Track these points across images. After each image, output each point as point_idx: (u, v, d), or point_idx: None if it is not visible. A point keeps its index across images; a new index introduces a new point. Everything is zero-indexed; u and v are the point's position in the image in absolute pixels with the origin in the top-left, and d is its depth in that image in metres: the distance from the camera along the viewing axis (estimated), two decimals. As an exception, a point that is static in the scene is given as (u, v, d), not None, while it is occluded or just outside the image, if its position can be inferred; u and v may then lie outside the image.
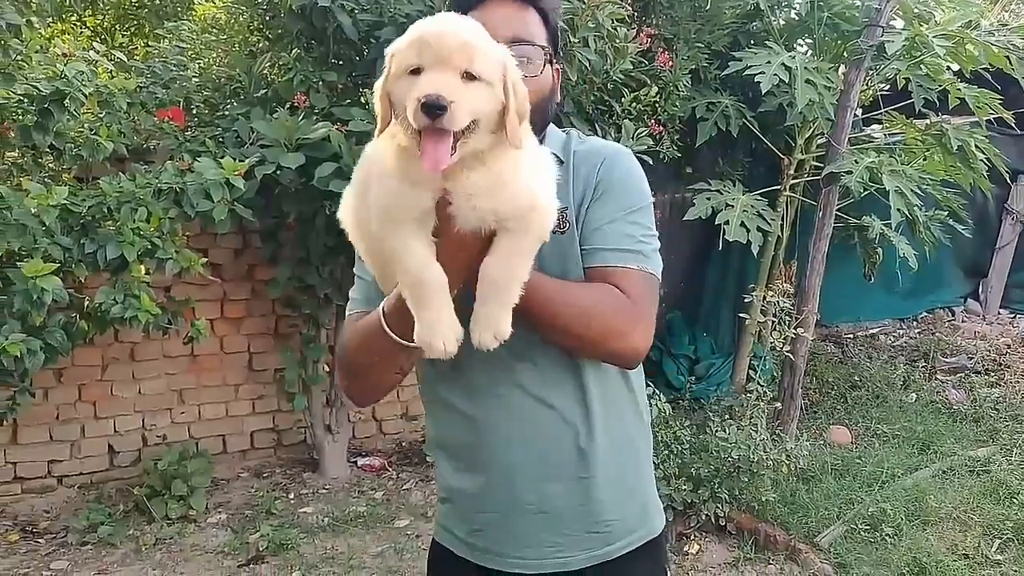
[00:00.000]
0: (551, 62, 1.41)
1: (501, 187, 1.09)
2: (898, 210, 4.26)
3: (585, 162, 1.42)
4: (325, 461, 4.51)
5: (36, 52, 3.20)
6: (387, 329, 1.23)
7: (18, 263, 2.78)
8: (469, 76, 1.03)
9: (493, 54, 1.07)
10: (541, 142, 1.39)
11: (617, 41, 3.72)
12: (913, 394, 5.59)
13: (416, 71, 1.03)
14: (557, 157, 1.41)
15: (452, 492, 1.51)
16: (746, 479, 3.81)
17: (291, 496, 4.29)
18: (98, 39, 4.71)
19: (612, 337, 1.31)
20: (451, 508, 1.53)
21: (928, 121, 4.81)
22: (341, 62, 3.77)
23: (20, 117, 3.05)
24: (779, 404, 4.46)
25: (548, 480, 1.41)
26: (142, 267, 3.16)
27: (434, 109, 0.97)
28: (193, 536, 3.83)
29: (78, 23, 4.89)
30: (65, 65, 3.01)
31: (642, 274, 1.36)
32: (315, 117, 3.50)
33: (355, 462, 4.67)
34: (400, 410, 5.06)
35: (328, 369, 4.48)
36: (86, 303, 3.30)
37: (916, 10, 4.61)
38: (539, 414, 1.40)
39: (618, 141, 3.50)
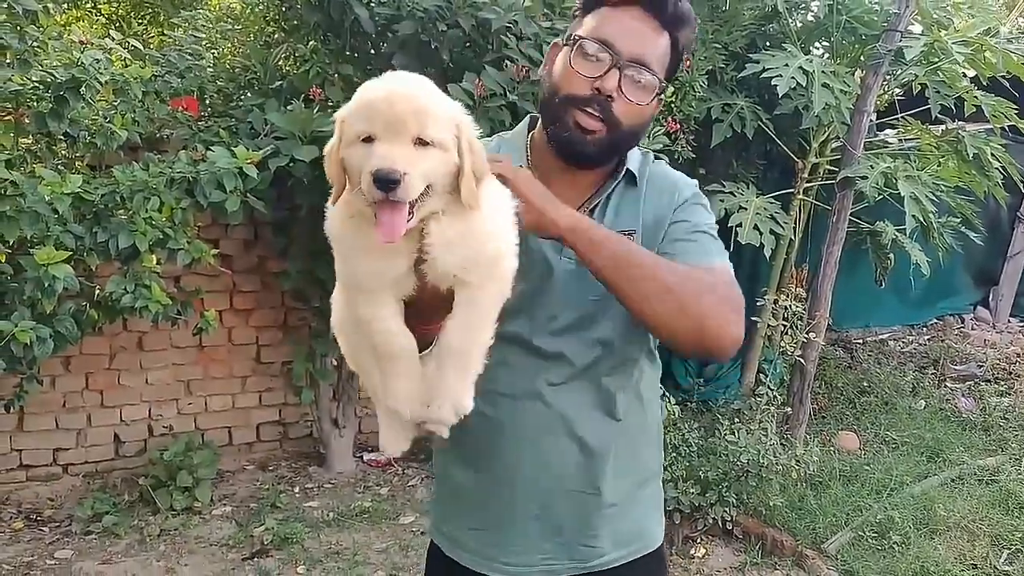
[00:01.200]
0: (660, 94, 1.37)
1: (471, 237, 1.05)
2: (913, 216, 4.24)
3: (661, 191, 1.41)
4: (331, 455, 4.50)
5: (52, 39, 3.18)
6: None
7: (30, 250, 2.77)
8: (422, 142, 0.99)
9: (446, 117, 1.02)
10: (622, 162, 1.40)
11: (635, 40, 3.69)
12: (922, 401, 5.56)
13: (368, 139, 0.98)
14: (632, 175, 1.41)
15: (452, 486, 1.50)
16: (754, 483, 3.79)
17: (296, 490, 4.28)
18: (113, 27, 4.69)
19: (715, 316, 1.24)
20: (447, 505, 1.53)
21: (944, 127, 4.78)
22: (357, 55, 3.76)
23: (35, 104, 3.03)
24: (788, 409, 4.44)
25: (552, 490, 1.41)
26: (153, 257, 3.15)
27: (387, 183, 0.93)
28: (197, 528, 3.83)
29: (93, 10, 4.88)
30: (82, 53, 2.98)
31: (728, 269, 1.33)
32: (330, 110, 3.48)
33: (361, 457, 4.66)
34: (406, 406, 5.04)
35: (336, 363, 4.47)
36: (96, 292, 3.29)
37: (935, 16, 4.58)
38: (556, 426, 1.39)
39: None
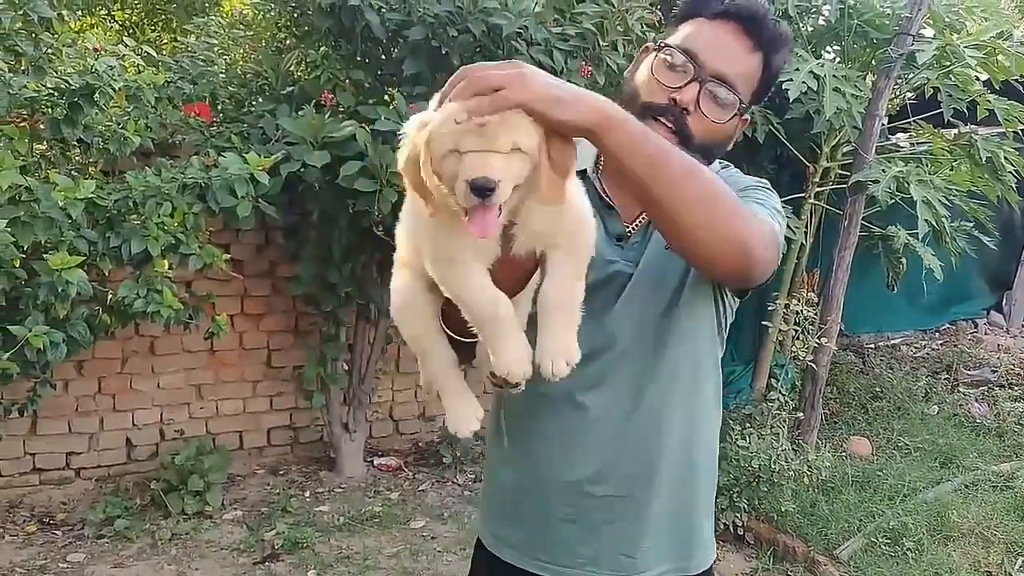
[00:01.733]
0: (740, 114, 1.35)
1: (556, 212, 1.10)
2: (925, 220, 4.21)
3: (742, 185, 1.39)
4: (342, 460, 4.51)
5: (66, 46, 3.21)
6: (446, 329, 1.24)
7: (44, 255, 2.79)
8: (511, 149, 1.03)
9: (527, 124, 1.04)
10: None
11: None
12: (935, 407, 5.52)
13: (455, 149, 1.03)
14: None
15: (497, 484, 1.52)
16: (766, 489, 3.78)
17: (307, 494, 4.29)
18: (127, 33, 4.73)
19: (758, 238, 1.18)
20: (492, 502, 1.54)
21: (957, 131, 4.75)
22: (368, 61, 3.77)
23: (50, 110, 3.06)
24: (800, 414, 4.41)
25: (587, 495, 1.39)
26: (165, 262, 3.16)
27: (484, 191, 0.99)
28: (209, 532, 3.84)
29: (107, 17, 4.92)
30: (96, 60, 3.01)
31: (775, 229, 1.29)
32: (341, 115, 3.49)
33: (371, 461, 4.67)
34: (417, 410, 5.05)
35: (346, 368, 4.48)
36: (109, 296, 3.30)
37: (947, 19, 4.56)
38: (593, 430, 1.38)
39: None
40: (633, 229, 1.40)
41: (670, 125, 1.30)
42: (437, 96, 1.08)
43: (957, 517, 3.96)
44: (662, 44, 1.34)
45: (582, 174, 1.40)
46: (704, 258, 1.18)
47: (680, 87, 1.30)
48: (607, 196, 1.40)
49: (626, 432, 1.38)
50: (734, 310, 1.47)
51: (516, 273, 1.15)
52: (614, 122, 1.06)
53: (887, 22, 4.46)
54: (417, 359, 1.29)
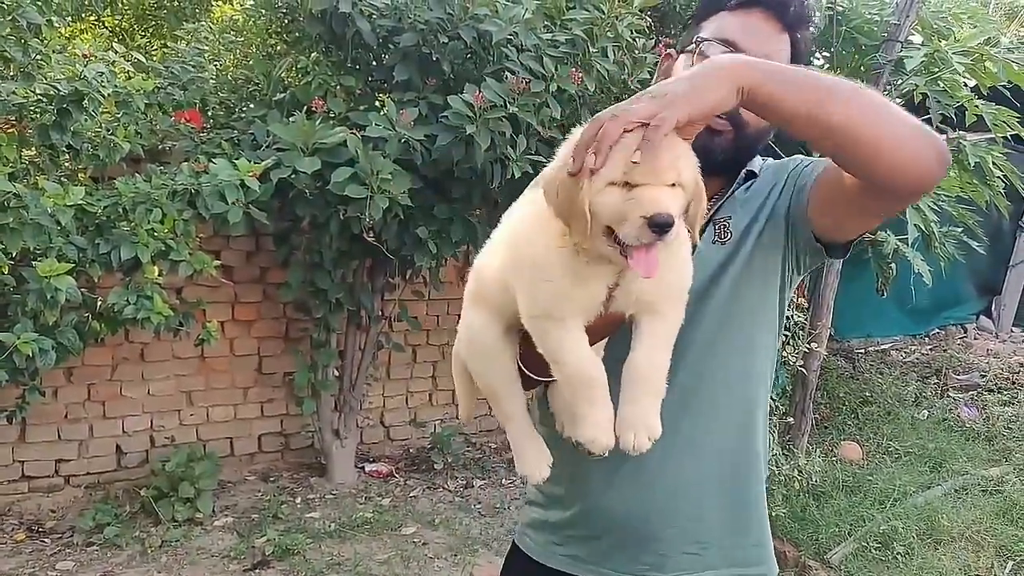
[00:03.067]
0: None
1: (668, 265, 1.06)
2: (915, 226, 4.23)
3: (775, 173, 1.38)
4: (332, 466, 4.49)
5: (55, 52, 3.20)
6: (524, 369, 1.23)
7: (33, 262, 2.78)
8: (673, 185, 1.02)
9: (694, 160, 1.04)
10: (744, 165, 1.38)
11: (636, 51, 3.71)
12: (925, 411, 5.55)
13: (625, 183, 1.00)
14: (753, 174, 1.39)
15: (544, 491, 1.47)
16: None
17: (298, 501, 4.28)
18: (117, 39, 4.72)
19: (918, 124, 1.10)
20: (539, 510, 1.49)
21: (945, 137, 4.78)
22: (359, 67, 3.77)
23: (38, 116, 3.05)
24: (791, 419, 4.43)
25: (632, 518, 1.36)
26: (156, 268, 3.16)
27: (665, 228, 0.96)
28: (199, 539, 3.82)
29: (97, 23, 4.91)
30: (85, 66, 3.00)
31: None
32: (332, 122, 3.49)
33: (363, 468, 4.66)
34: (408, 416, 5.04)
35: (337, 374, 4.47)
36: (99, 303, 3.29)
37: (935, 26, 4.59)
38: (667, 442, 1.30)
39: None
40: None
41: (723, 117, 1.27)
42: (566, 146, 1.05)
43: (947, 521, 3.98)
44: (697, 39, 1.32)
45: None
46: (908, 163, 1.08)
47: None
48: None
49: (671, 446, 1.28)
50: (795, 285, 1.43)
51: (602, 331, 1.13)
52: (757, 73, 1.03)
53: (875, 28, 4.48)
54: (483, 396, 1.28)
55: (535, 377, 1.21)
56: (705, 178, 1.25)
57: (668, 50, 1.44)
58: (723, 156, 1.31)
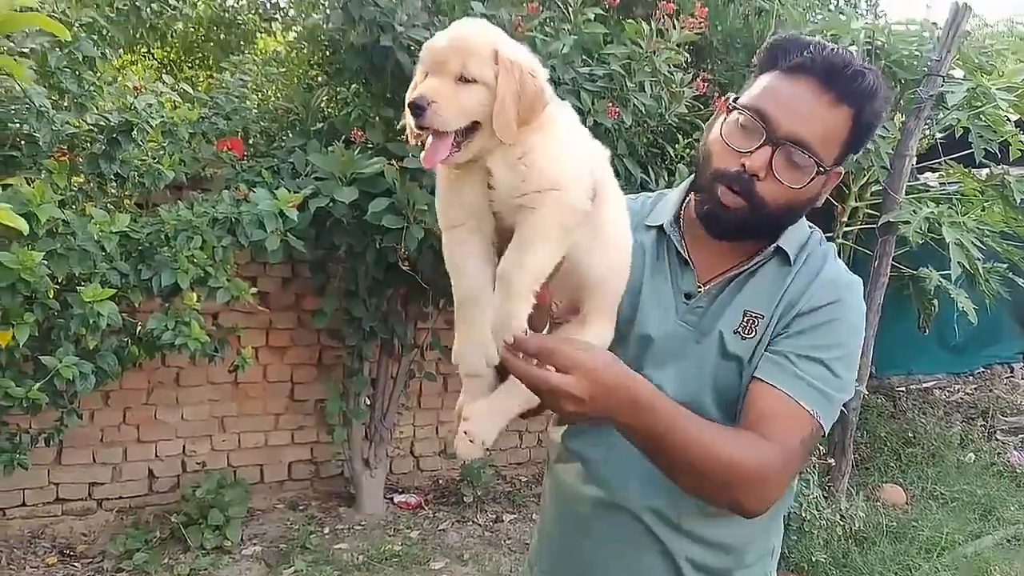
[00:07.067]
0: (824, 171, 1.23)
1: (530, 157, 1.05)
2: (958, 263, 4.13)
3: (809, 280, 1.28)
4: (362, 496, 4.46)
5: (107, 84, 3.29)
6: None
7: (78, 287, 2.82)
8: (465, 79, 1.03)
9: (486, 54, 1.04)
10: (778, 235, 1.30)
11: (673, 86, 3.71)
12: (971, 454, 5.37)
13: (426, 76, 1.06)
14: (786, 255, 1.30)
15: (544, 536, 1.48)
16: (795, 537, 3.67)
17: (326, 531, 4.24)
18: (166, 70, 4.86)
19: (748, 498, 1.17)
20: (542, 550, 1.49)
21: (989, 171, 4.70)
22: (398, 99, 3.81)
23: (89, 145, 3.13)
24: (831, 459, 4.30)
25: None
26: (194, 294, 3.20)
27: (414, 109, 1.01)
28: (227, 568, 3.80)
29: (147, 54, 5.06)
30: (136, 97, 3.08)
31: (812, 422, 1.20)
32: (370, 152, 3.53)
33: (391, 499, 4.61)
34: (438, 446, 5.00)
35: (368, 403, 4.46)
36: (138, 328, 3.34)
37: (977, 61, 4.53)
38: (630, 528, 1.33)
39: (670, 185, 3.47)
40: (703, 290, 1.32)
41: (736, 191, 1.22)
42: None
43: (999, 574, 3.81)
44: (731, 105, 1.25)
45: (659, 229, 1.36)
46: (716, 503, 1.22)
47: (750, 151, 1.21)
48: (685, 251, 1.34)
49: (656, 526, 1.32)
50: None
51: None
52: (638, 400, 1.08)
53: (915, 63, 4.44)
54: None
55: None
56: (734, 243, 1.29)
57: (723, 97, 1.36)
58: (735, 227, 1.26)
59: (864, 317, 1.31)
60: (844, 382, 1.25)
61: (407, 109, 1.02)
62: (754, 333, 1.26)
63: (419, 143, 1.08)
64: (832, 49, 1.23)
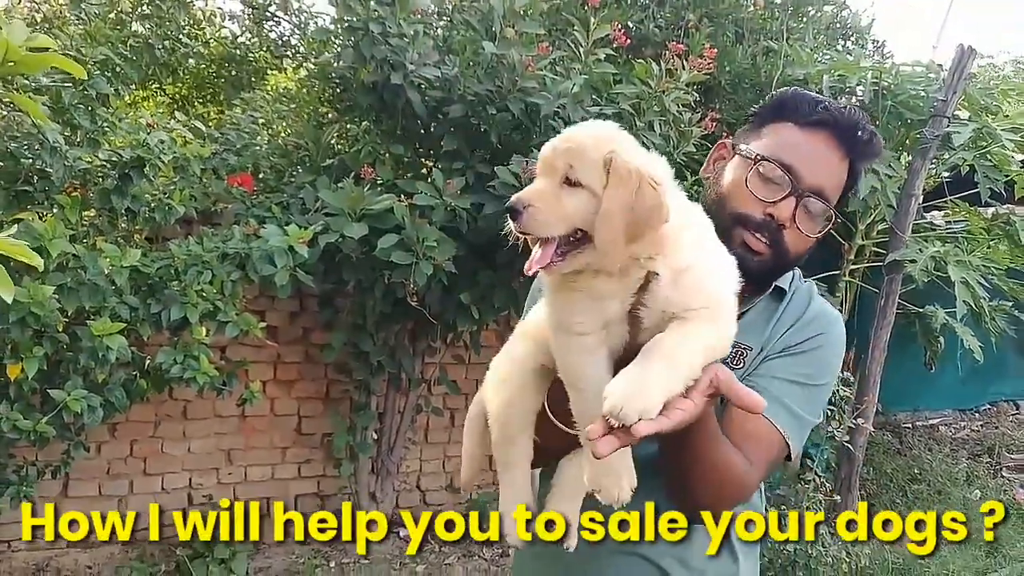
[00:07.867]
0: (832, 221, 1.33)
1: (689, 276, 0.99)
2: (964, 301, 4.14)
3: (795, 314, 1.35)
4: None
5: (120, 120, 3.34)
6: (553, 419, 1.16)
7: (87, 321, 2.84)
8: (570, 182, 0.98)
9: (595, 158, 0.98)
10: (776, 278, 1.35)
11: (682, 125, 3.75)
12: (977, 491, 5.32)
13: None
14: (781, 291, 1.37)
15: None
16: (802, 574, 3.63)
17: (332, 565, 4.21)
18: (177, 106, 4.92)
19: (729, 503, 1.24)
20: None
21: (995, 210, 4.72)
22: (408, 136, 3.86)
23: (101, 180, 3.17)
24: (836, 496, 4.27)
25: None
26: (203, 329, 3.21)
27: (511, 212, 0.97)
28: (231, 603, 3.77)
29: (158, 90, 5.14)
30: (148, 134, 3.13)
31: (783, 445, 1.26)
32: (380, 188, 3.56)
33: (397, 533, 4.58)
34: (445, 481, 4.98)
35: (376, 437, 4.45)
36: (147, 362, 3.35)
37: (983, 103, 4.57)
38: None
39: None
40: None
41: (765, 240, 1.27)
42: None
43: (1006, 613, 3.77)
44: (756, 156, 1.29)
45: None
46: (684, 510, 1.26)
47: (776, 202, 1.27)
48: None
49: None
50: None
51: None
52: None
53: (921, 104, 4.48)
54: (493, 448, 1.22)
55: (556, 423, 1.13)
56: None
57: (724, 141, 1.41)
58: (759, 274, 1.30)
59: (843, 352, 1.40)
60: (818, 408, 1.33)
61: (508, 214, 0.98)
62: (743, 364, 1.31)
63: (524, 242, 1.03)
64: (845, 108, 1.31)
